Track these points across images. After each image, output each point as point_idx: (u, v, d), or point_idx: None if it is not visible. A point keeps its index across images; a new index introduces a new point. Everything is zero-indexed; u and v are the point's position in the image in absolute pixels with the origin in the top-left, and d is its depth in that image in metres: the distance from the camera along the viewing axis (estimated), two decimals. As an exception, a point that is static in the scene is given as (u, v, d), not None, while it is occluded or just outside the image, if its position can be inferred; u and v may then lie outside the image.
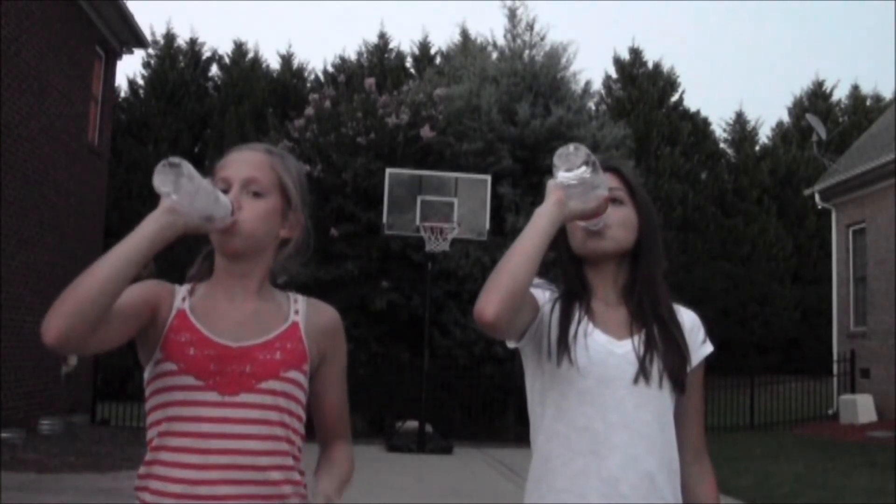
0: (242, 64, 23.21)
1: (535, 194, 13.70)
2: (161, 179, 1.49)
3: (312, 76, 23.71)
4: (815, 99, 25.10)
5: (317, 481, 1.69)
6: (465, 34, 19.90)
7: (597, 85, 23.85)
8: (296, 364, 1.65)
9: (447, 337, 13.37)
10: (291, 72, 23.55)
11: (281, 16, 47.57)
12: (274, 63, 23.81)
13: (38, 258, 11.48)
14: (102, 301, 1.42)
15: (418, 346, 12.30)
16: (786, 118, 25.93)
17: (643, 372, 1.74)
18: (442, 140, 14.27)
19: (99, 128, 14.30)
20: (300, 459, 1.67)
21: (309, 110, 14.69)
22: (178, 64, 22.92)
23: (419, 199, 12.10)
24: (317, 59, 50.66)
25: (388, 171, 12.55)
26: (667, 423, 1.76)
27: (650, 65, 24.22)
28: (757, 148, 24.82)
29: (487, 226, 12.27)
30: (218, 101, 22.20)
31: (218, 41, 47.03)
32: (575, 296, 1.81)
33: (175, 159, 1.49)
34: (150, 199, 1.68)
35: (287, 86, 22.81)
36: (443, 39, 38.69)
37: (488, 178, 12.73)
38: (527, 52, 15.98)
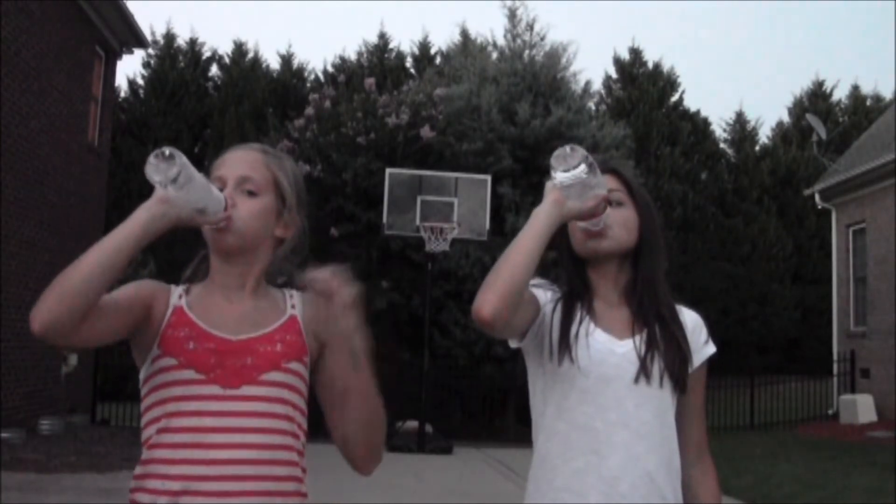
0: (242, 64, 23.20)
1: (535, 194, 13.69)
2: (154, 170, 1.48)
3: (312, 76, 23.70)
4: (815, 99, 25.10)
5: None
6: (465, 34, 19.88)
7: (597, 85, 23.89)
8: (297, 356, 1.64)
9: (447, 337, 13.37)
10: (291, 72, 23.53)
11: (281, 16, 47.61)
12: (274, 63, 23.82)
13: (38, 258, 11.48)
14: (90, 291, 1.41)
15: (418, 346, 12.30)
16: (786, 118, 25.95)
17: (644, 371, 1.74)
18: (442, 140, 14.26)
19: (99, 128, 14.29)
20: (304, 455, 1.65)
21: (309, 110, 14.69)
22: (178, 64, 22.92)
23: (419, 199, 12.10)
24: (317, 59, 50.72)
25: (388, 171, 12.55)
26: (667, 423, 1.76)
27: (650, 65, 24.21)
28: (757, 148, 24.82)
29: (487, 226, 12.27)
30: (218, 101, 22.18)
31: (218, 41, 47.18)
32: (577, 296, 1.82)
33: (168, 150, 1.48)
34: (151, 199, 1.67)
35: (287, 86, 22.80)
36: (443, 39, 38.71)
37: (488, 178, 12.73)
38: (527, 52, 15.98)
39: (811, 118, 18.18)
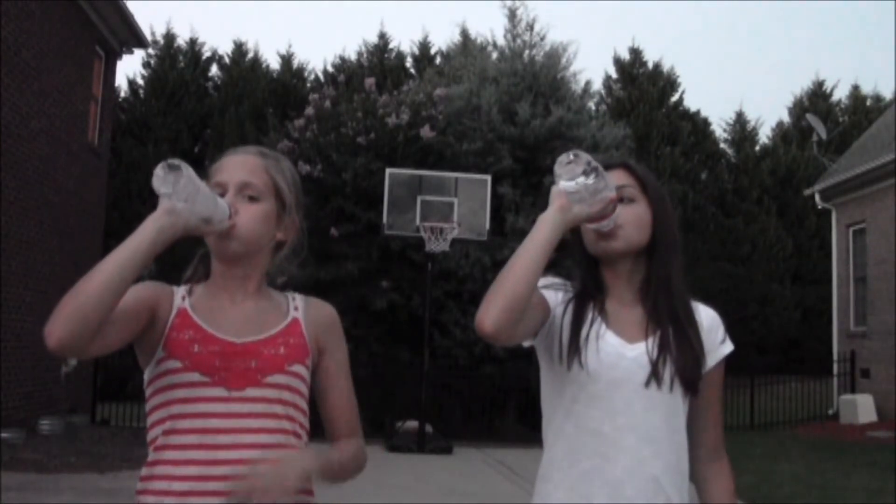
0: (242, 64, 23.21)
1: (536, 194, 13.69)
2: (161, 181, 1.50)
3: (312, 76, 23.71)
4: (815, 99, 25.10)
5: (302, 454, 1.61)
6: (465, 34, 19.88)
7: (597, 85, 23.90)
8: (299, 358, 1.67)
9: (447, 337, 13.37)
10: (291, 72, 23.54)
11: (281, 16, 47.60)
12: (274, 63, 23.83)
13: (38, 258, 11.48)
14: (104, 306, 1.42)
15: (418, 346, 12.29)
16: (786, 118, 25.94)
17: (655, 375, 1.73)
18: (442, 140, 14.25)
19: (99, 128, 14.29)
20: None
21: (309, 110, 14.67)
22: (178, 64, 22.91)
23: (419, 199, 12.10)
24: (317, 59, 50.68)
25: (388, 171, 12.54)
26: (677, 427, 1.75)
27: (650, 65, 24.22)
28: (757, 148, 24.82)
29: (487, 226, 12.26)
30: (218, 101, 22.19)
31: (218, 41, 47.17)
32: (588, 296, 1.80)
33: (175, 161, 1.49)
34: (150, 199, 1.69)
35: (287, 86, 22.81)
36: (443, 39, 38.71)
37: (488, 178, 12.72)
38: (527, 52, 15.97)
39: (811, 118, 18.20)
